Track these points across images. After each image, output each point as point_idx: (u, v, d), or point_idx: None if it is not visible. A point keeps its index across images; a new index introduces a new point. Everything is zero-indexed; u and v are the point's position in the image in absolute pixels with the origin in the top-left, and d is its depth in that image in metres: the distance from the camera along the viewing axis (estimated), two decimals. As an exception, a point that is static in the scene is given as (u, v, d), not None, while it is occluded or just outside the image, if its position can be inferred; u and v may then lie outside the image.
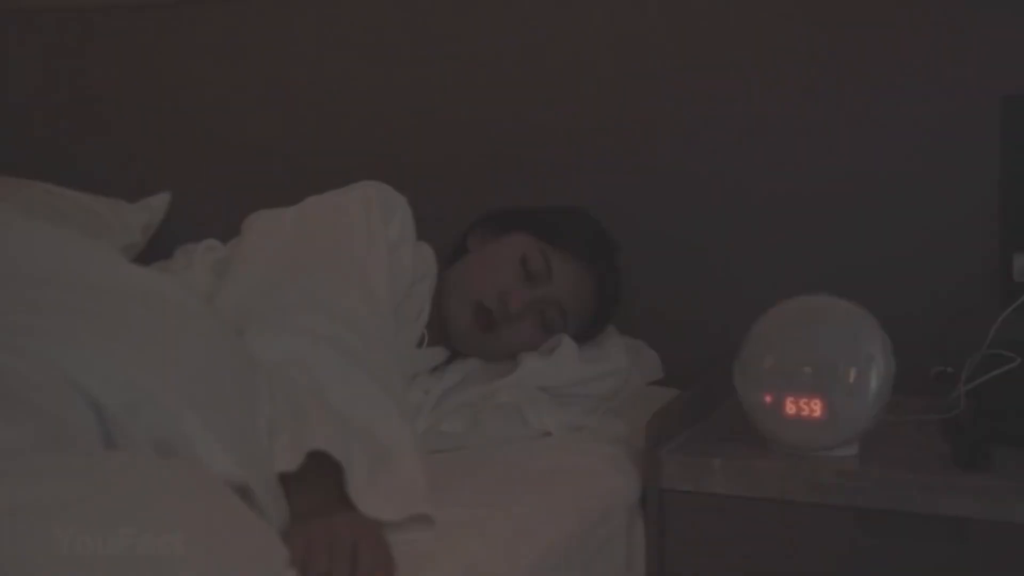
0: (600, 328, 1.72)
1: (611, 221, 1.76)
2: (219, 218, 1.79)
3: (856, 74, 1.75)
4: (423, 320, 1.60)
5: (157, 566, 0.84)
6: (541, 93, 1.94)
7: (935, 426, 1.48)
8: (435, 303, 1.63)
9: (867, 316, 1.41)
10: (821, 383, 1.36)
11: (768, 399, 1.39)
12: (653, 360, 1.82)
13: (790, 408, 1.37)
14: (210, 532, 0.90)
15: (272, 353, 1.23)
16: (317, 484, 1.11)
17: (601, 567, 1.36)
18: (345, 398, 1.20)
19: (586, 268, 1.66)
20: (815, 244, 1.78)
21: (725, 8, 1.82)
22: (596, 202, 1.79)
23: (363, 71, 2.06)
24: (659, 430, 1.42)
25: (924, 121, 1.71)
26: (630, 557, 1.42)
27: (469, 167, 1.99)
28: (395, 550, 1.07)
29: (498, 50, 1.97)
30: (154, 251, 2.02)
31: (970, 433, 1.38)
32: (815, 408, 1.36)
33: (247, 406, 1.13)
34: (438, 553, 1.12)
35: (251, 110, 2.16)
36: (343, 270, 1.41)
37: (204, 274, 1.53)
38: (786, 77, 1.79)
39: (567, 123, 1.92)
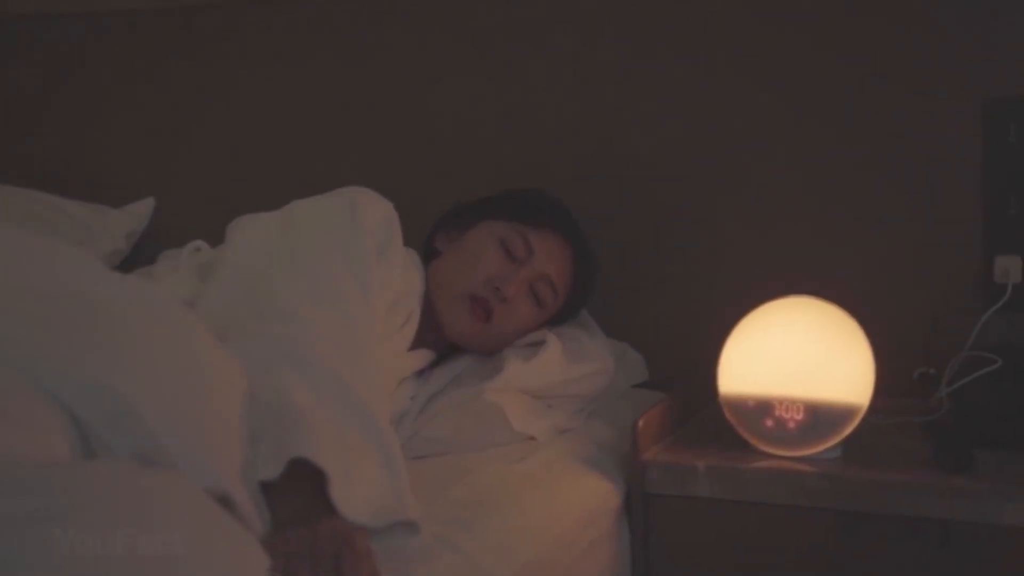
0: (585, 299, 1.74)
1: (594, 224, 1.76)
2: (203, 223, 1.78)
3: (839, 79, 1.75)
4: (412, 324, 1.60)
5: (158, 566, 0.83)
6: (523, 94, 1.95)
7: (918, 428, 1.49)
8: (423, 307, 1.63)
9: (849, 319, 1.41)
10: (804, 386, 1.37)
11: (751, 402, 1.39)
12: (638, 363, 1.83)
13: (773, 411, 1.38)
14: (205, 534, 0.90)
15: (255, 359, 1.22)
16: (300, 491, 1.10)
17: (586, 571, 1.36)
18: (328, 404, 1.20)
19: (562, 238, 1.68)
20: (798, 247, 1.78)
21: (707, 19, 1.83)
22: (579, 204, 1.79)
23: (351, 77, 2.06)
24: (644, 434, 1.42)
25: (906, 124, 1.72)
26: (615, 561, 1.42)
27: (453, 172, 1.99)
28: (379, 556, 1.07)
29: (487, 55, 1.97)
30: (139, 257, 2.02)
31: (953, 435, 1.38)
32: (798, 411, 1.36)
33: (229, 413, 1.12)
34: (421, 560, 1.12)
35: (235, 116, 2.16)
36: (329, 275, 1.41)
37: (189, 277, 1.53)
38: (770, 83, 1.79)
39: (548, 126, 1.93)
